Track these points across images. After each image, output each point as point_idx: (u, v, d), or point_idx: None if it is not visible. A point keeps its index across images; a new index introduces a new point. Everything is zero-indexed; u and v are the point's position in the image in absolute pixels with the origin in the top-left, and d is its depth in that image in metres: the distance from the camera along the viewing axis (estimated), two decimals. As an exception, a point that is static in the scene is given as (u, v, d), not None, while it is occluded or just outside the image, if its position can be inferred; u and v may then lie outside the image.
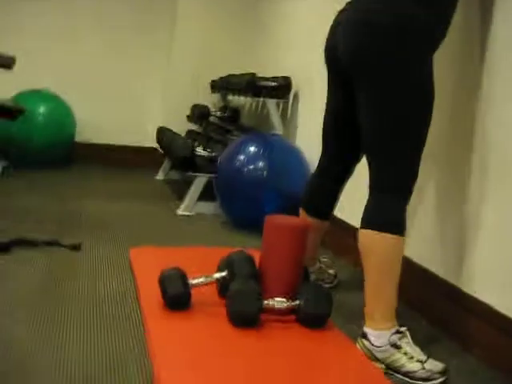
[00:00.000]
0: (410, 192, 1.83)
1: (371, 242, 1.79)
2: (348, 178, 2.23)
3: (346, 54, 1.87)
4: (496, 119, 1.94)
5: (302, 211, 2.28)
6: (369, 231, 1.78)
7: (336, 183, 2.23)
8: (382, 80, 1.79)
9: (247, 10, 5.16)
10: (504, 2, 1.94)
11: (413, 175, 1.83)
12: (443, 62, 2.08)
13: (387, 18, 1.77)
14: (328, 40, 2.03)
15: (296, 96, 3.89)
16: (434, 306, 2.19)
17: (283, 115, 4.03)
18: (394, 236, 1.76)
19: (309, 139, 3.55)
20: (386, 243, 1.77)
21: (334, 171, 2.21)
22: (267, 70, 4.46)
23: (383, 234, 1.76)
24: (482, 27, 2.05)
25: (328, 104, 2.14)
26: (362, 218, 1.83)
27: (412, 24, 1.77)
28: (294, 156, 3.37)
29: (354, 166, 2.20)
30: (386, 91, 1.79)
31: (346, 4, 1.96)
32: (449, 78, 2.20)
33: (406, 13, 1.77)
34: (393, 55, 1.76)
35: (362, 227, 1.81)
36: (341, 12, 1.98)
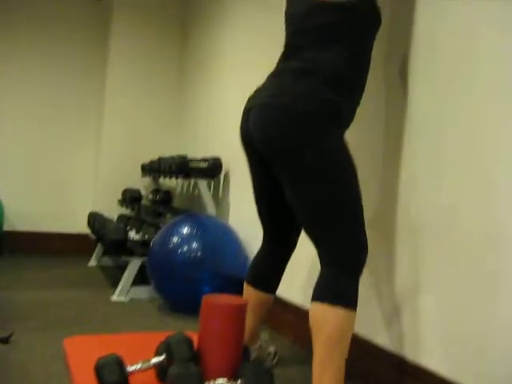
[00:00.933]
0: (359, 263, 1.83)
1: (323, 315, 1.77)
2: (294, 248, 2.24)
3: (259, 140, 1.92)
4: (420, 193, 2.03)
5: (246, 286, 2.26)
6: (321, 305, 1.78)
7: (282, 255, 2.23)
8: (299, 165, 1.83)
9: (175, 94, 5.28)
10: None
11: (358, 246, 1.84)
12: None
13: (299, 102, 1.83)
14: (242, 125, 2.06)
15: (227, 175, 3.95)
16: (381, 378, 2.19)
17: (215, 195, 4.07)
18: (346, 309, 1.76)
19: (241, 218, 3.58)
20: (338, 317, 1.76)
21: (278, 245, 2.22)
22: (197, 150, 4.53)
23: (335, 308, 1.76)
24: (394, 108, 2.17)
25: (254, 185, 2.18)
26: (314, 292, 1.82)
27: (323, 108, 1.83)
28: (228, 235, 3.38)
29: (298, 236, 2.22)
30: (305, 175, 1.83)
31: (256, 91, 2.02)
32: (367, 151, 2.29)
33: (318, 97, 1.84)
34: (307, 139, 1.81)
35: (313, 300, 1.81)
36: (252, 98, 2.03)
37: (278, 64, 2.06)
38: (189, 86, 5.08)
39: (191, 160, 4.00)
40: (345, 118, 1.94)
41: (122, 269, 3.74)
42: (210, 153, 4.24)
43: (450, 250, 1.88)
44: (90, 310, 3.28)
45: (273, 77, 2.01)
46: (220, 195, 4.05)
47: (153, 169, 4.54)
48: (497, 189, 1.71)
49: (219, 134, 4.22)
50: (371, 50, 2.02)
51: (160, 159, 4.44)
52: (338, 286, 1.80)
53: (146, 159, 4.98)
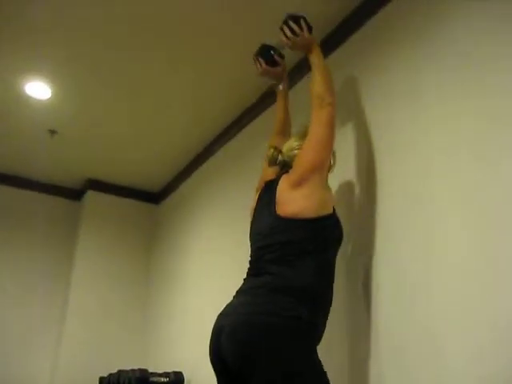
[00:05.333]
0: None
1: None
2: None
3: (234, 359, 1.91)
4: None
5: None
6: None
7: None
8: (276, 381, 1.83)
9: (138, 306, 5.29)
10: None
11: None
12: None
13: (273, 321, 1.87)
14: (212, 343, 2.03)
15: (188, 391, 3.86)
16: None
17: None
18: None
19: None
20: None
21: None
22: (159, 364, 4.45)
23: None
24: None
25: None
26: None
27: (298, 326, 1.89)
28: None
29: None
30: None
31: (226, 308, 2.05)
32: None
33: (292, 315, 1.89)
34: (279, 355, 1.83)
35: None
36: (223, 315, 2.03)
37: (247, 280, 2.12)
38: (155, 297, 5.12)
39: (152, 374, 3.92)
40: (319, 331, 2.00)
41: None
42: (171, 367, 4.18)
43: None
44: None
45: (243, 294, 2.06)
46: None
47: (111, 382, 4.39)
48: None
49: (182, 348, 4.19)
50: (335, 262, 2.13)
51: (119, 372, 4.33)
52: None
53: (106, 371, 4.83)
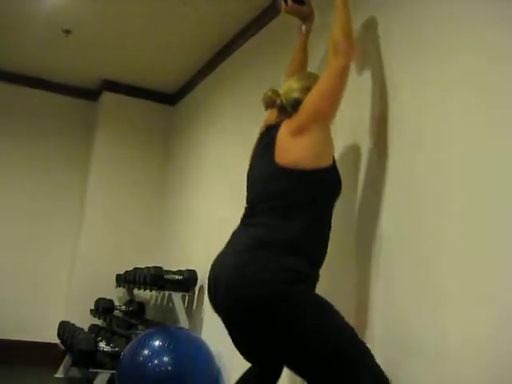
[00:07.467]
0: None
1: None
2: (280, 373, 2.16)
3: (229, 315, 1.95)
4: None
5: None
6: None
7: (271, 378, 2.15)
8: (281, 332, 1.83)
9: (154, 206, 5.36)
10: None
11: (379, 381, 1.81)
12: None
13: (265, 273, 1.85)
14: (209, 294, 2.04)
15: (202, 288, 3.95)
16: None
17: (189, 308, 4.06)
18: None
19: (215, 332, 3.53)
20: None
21: (266, 371, 2.14)
22: (173, 263, 4.55)
23: None
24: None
25: (231, 339, 2.08)
26: None
27: (289, 275, 1.87)
28: (200, 349, 3.33)
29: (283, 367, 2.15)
30: (289, 339, 1.83)
31: (219, 256, 2.04)
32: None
33: (283, 266, 1.87)
34: (273, 306, 1.82)
35: None
36: (216, 265, 2.03)
37: (240, 228, 2.09)
38: (170, 197, 5.18)
39: (166, 272, 4.01)
40: (314, 280, 1.98)
41: (90, 381, 3.64)
42: (186, 265, 4.27)
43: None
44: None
45: (236, 244, 2.02)
46: (194, 308, 4.03)
47: (128, 279, 4.53)
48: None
49: (196, 247, 4.26)
50: (331, 215, 2.08)
51: (135, 270, 4.45)
52: None
53: (122, 269, 4.96)
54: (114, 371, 3.46)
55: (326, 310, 1.89)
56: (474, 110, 1.88)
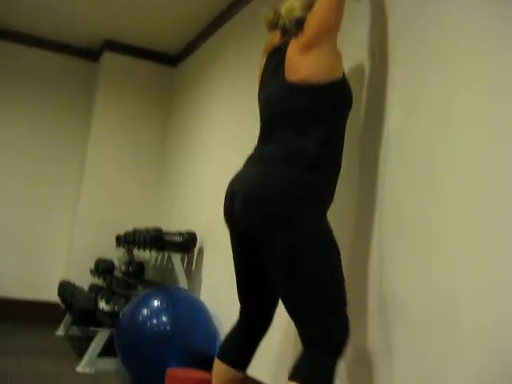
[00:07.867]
0: (342, 344, 1.85)
1: None
2: (267, 328, 2.21)
3: (246, 226, 1.96)
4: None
5: (216, 361, 2.20)
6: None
7: (256, 333, 2.20)
8: (285, 246, 1.87)
9: (154, 168, 5.37)
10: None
11: (342, 327, 1.86)
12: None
13: (284, 189, 1.89)
14: (226, 208, 2.08)
15: (201, 250, 3.98)
16: None
17: (188, 269, 4.09)
18: None
19: (214, 293, 3.59)
20: None
21: (253, 323, 2.19)
22: (172, 224, 4.57)
23: None
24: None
25: (235, 263, 2.17)
26: (293, 370, 1.82)
27: (307, 193, 1.91)
28: (199, 310, 3.38)
29: (274, 313, 2.20)
30: (290, 256, 1.86)
31: (237, 175, 2.07)
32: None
33: (301, 182, 1.91)
34: (292, 224, 1.86)
35: (288, 378, 1.81)
36: (235, 182, 2.07)
37: (257, 148, 2.13)
38: (170, 159, 5.18)
39: (166, 233, 4.04)
40: (328, 198, 2.02)
41: (90, 339, 3.69)
42: (185, 227, 4.29)
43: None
44: (54, 381, 3.23)
45: (254, 162, 2.06)
46: (193, 269, 4.07)
47: (127, 240, 4.56)
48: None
49: (195, 209, 4.28)
50: (344, 130, 2.11)
51: (135, 231, 4.47)
52: (312, 367, 1.81)
53: (122, 229, 4.99)
54: (113, 329, 3.52)
55: (327, 242, 1.92)
56: None
